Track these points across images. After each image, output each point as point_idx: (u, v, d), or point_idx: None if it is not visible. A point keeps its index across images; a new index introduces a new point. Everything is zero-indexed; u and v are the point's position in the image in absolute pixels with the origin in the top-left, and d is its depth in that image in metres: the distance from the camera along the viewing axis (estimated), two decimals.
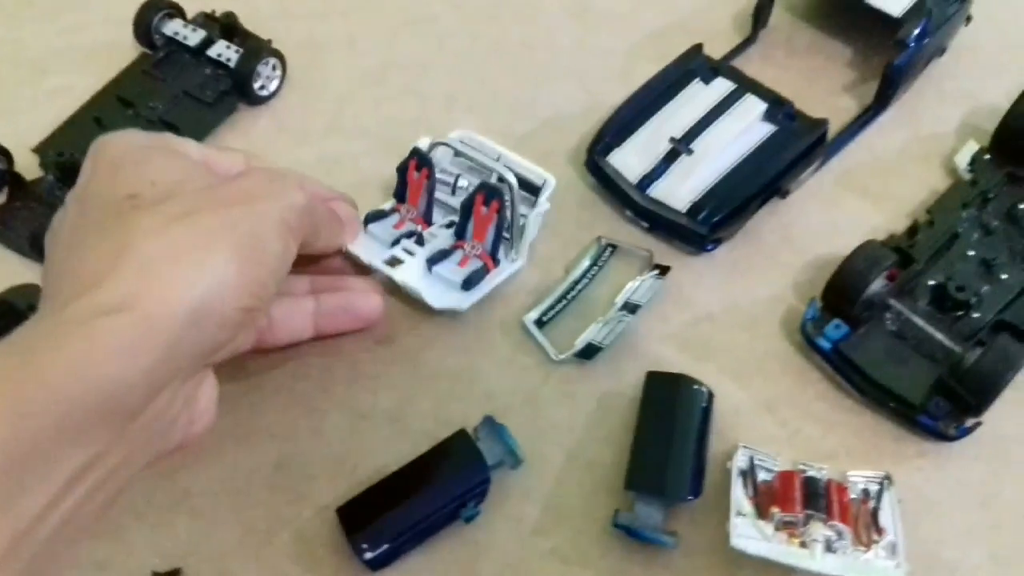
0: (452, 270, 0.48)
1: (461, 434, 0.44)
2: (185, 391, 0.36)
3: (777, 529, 0.41)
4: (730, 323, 0.50)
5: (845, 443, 0.46)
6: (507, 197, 0.48)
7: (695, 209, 0.51)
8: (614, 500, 0.44)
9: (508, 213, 0.49)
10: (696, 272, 0.52)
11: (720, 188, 0.52)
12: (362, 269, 0.48)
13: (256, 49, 0.57)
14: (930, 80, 0.59)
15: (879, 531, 0.41)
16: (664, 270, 0.51)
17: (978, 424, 0.45)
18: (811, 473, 0.43)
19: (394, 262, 0.48)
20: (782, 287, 0.51)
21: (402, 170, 0.50)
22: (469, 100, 0.59)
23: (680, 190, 0.52)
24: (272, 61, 0.58)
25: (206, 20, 0.60)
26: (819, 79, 0.59)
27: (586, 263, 0.52)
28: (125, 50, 0.60)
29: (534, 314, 0.50)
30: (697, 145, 0.53)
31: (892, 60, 0.55)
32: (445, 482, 0.43)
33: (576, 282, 0.51)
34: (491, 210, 0.48)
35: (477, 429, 0.44)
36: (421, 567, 0.43)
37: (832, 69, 0.60)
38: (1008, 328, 0.47)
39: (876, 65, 0.58)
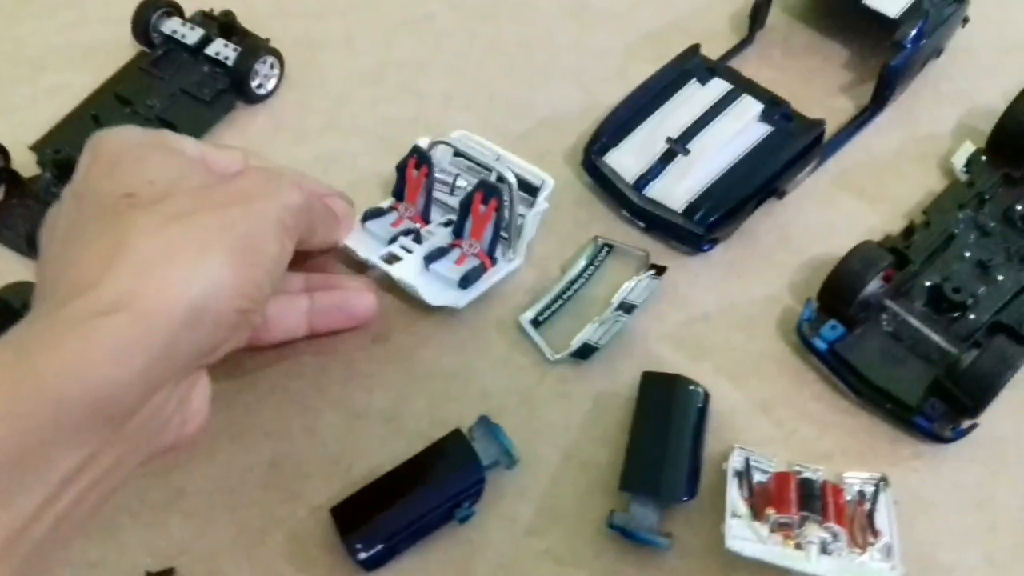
0: (449, 268, 0.48)
1: (456, 434, 0.44)
2: (179, 391, 0.36)
3: (772, 531, 0.41)
4: (726, 323, 0.50)
5: (841, 444, 0.46)
6: (506, 196, 0.48)
7: (691, 209, 0.51)
8: (609, 501, 0.44)
9: (507, 212, 0.48)
10: (692, 272, 0.52)
11: (716, 188, 0.52)
12: (358, 267, 0.48)
13: (254, 48, 0.57)
14: (927, 81, 0.59)
15: (875, 533, 0.41)
16: (660, 270, 0.51)
17: (974, 426, 0.45)
18: (807, 474, 0.43)
19: (391, 259, 0.48)
20: (778, 287, 0.51)
21: (401, 168, 0.50)
22: (466, 99, 0.59)
23: (676, 190, 0.52)
24: (270, 60, 0.58)
25: (204, 18, 0.60)
26: (816, 80, 0.59)
27: (582, 263, 0.52)
28: (123, 48, 0.60)
29: (530, 314, 0.50)
30: (694, 145, 0.53)
31: (889, 61, 0.55)
32: (440, 482, 0.42)
33: (572, 282, 0.51)
34: (489, 208, 0.48)
35: (472, 429, 0.44)
36: (415, 567, 0.43)
37: (829, 70, 0.60)
38: (1004, 330, 0.47)
39: (873, 66, 0.58)
